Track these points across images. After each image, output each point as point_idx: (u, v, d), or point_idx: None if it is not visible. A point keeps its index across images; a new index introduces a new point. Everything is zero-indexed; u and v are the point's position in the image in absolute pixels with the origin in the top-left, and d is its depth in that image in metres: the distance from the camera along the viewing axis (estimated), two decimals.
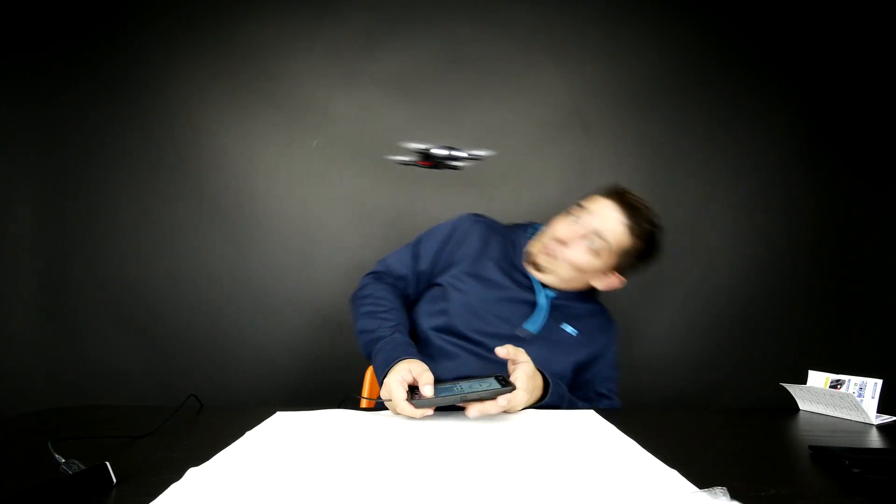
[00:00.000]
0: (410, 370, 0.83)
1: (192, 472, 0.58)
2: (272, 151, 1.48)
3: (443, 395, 0.79)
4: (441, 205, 1.45)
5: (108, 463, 0.57)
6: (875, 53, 1.39)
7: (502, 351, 0.85)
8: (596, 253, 1.02)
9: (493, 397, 0.77)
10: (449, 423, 0.79)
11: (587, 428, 0.76)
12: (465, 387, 0.80)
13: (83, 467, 0.58)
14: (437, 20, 1.48)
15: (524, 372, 0.82)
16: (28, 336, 1.45)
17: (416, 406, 0.79)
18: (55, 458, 0.60)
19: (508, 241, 1.14)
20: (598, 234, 1.01)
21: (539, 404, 0.89)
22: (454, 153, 1.04)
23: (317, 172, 1.44)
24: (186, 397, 0.94)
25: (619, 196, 1.03)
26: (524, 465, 0.60)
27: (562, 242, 1.03)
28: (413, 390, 0.83)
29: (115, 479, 0.57)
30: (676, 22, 1.46)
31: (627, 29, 1.46)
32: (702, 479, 0.55)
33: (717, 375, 1.45)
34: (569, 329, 1.07)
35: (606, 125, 1.47)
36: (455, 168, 1.05)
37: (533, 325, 1.05)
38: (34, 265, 1.46)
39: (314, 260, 1.46)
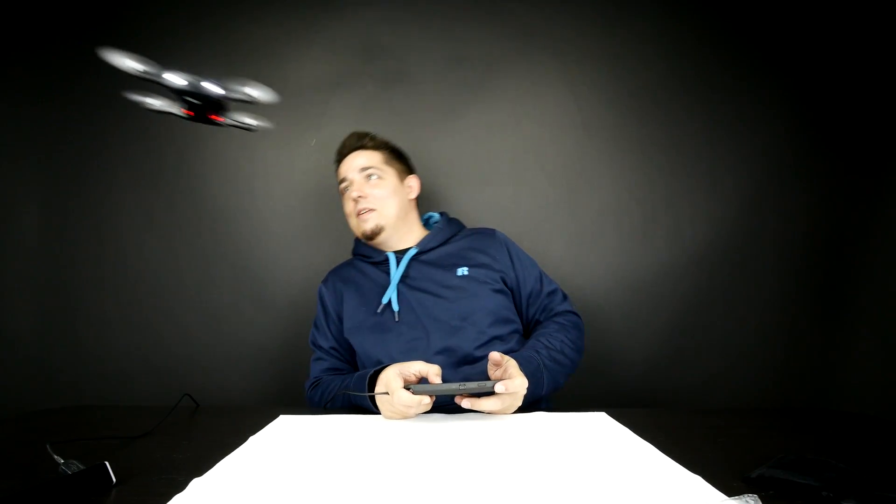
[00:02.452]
0: (408, 365, 0.83)
1: (196, 483, 0.56)
2: (272, 150, 1.47)
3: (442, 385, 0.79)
4: (442, 203, 1.46)
5: (107, 463, 0.57)
6: (875, 55, 1.39)
7: (496, 356, 0.85)
8: (379, 178, 1.15)
9: (492, 390, 0.76)
10: (458, 428, 0.77)
11: (601, 432, 0.75)
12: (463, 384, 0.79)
13: (82, 467, 0.58)
14: (436, 19, 1.47)
15: (513, 365, 0.84)
16: (28, 336, 1.44)
17: (415, 392, 0.78)
18: (54, 458, 0.60)
19: (355, 268, 1.20)
20: (362, 168, 1.15)
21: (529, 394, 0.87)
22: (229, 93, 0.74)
23: (316, 171, 1.44)
24: (181, 397, 0.94)
25: (343, 146, 1.21)
26: (540, 473, 0.58)
27: (359, 199, 1.13)
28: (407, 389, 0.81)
29: (114, 479, 0.57)
30: (677, 20, 1.45)
31: (628, 28, 1.46)
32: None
33: (716, 375, 1.45)
34: (460, 271, 1.09)
35: (606, 124, 1.47)
36: (245, 128, 0.83)
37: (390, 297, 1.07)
38: (34, 265, 1.45)
39: (314, 258, 1.46)
